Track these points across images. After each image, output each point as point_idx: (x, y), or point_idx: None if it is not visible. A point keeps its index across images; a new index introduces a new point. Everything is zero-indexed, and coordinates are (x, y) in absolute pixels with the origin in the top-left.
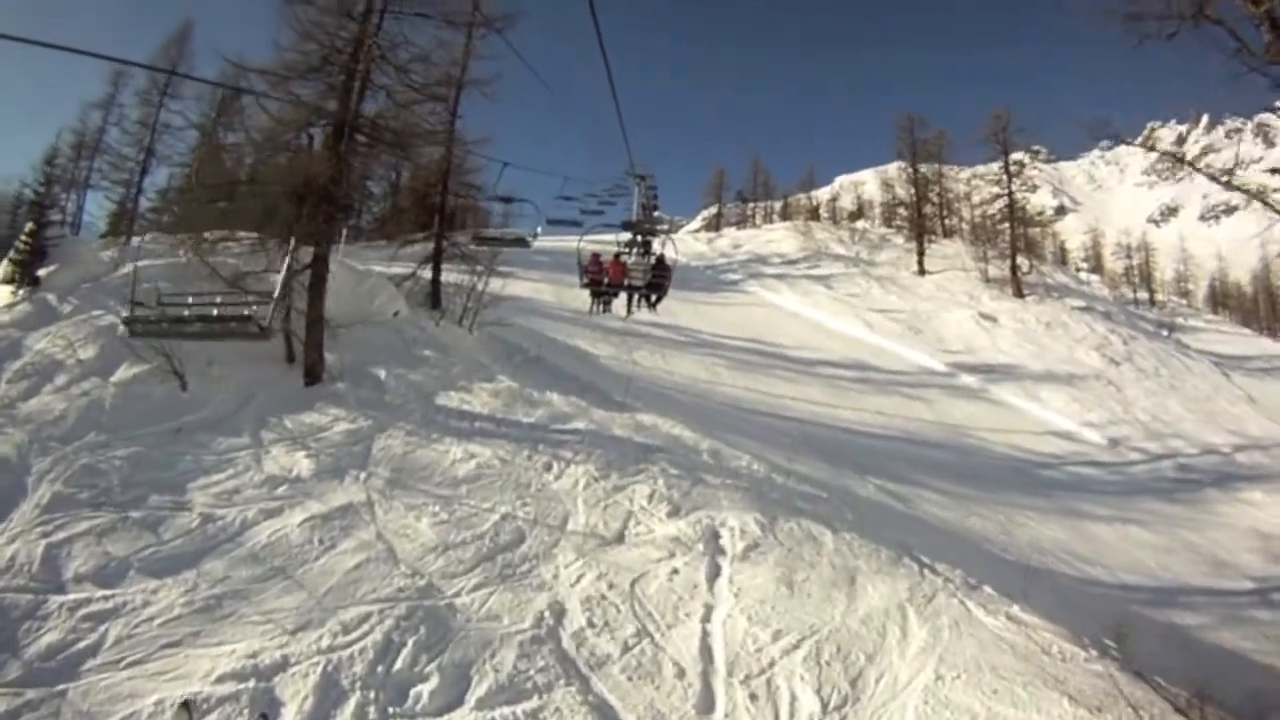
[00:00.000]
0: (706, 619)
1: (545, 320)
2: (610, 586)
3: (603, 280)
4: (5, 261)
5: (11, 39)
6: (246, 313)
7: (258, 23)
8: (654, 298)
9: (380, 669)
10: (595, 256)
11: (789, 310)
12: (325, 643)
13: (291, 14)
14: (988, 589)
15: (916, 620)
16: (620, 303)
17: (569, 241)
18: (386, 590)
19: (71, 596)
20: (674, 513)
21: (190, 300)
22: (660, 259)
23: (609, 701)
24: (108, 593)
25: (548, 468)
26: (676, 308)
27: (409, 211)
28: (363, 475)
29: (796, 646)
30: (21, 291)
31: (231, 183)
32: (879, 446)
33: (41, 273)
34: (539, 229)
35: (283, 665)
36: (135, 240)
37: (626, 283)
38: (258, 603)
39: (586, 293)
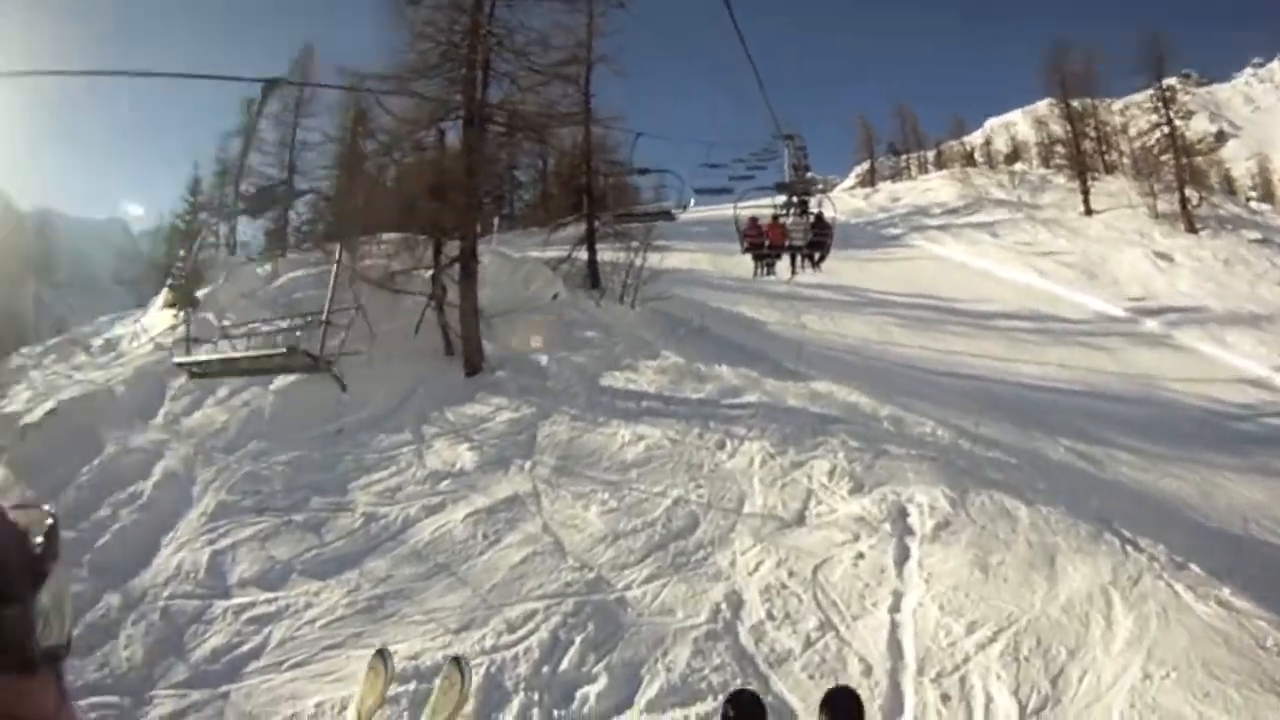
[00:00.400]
0: (895, 608)
1: (707, 290)
2: (791, 574)
3: (763, 243)
4: (165, 289)
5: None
6: (299, 347)
7: (367, 29)
8: (817, 257)
9: (545, 669)
10: (753, 220)
11: (955, 261)
12: (489, 642)
13: (404, 17)
14: (1194, 567)
15: (1122, 607)
16: (783, 265)
17: (724, 210)
18: (553, 585)
19: (236, 600)
20: (857, 489)
21: (253, 329)
22: (819, 217)
23: (789, 703)
24: (271, 595)
25: (720, 446)
26: (840, 267)
27: (558, 196)
28: (527, 464)
29: (993, 639)
30: (181, 314)
31: (375, 185)
32: (1064, 402)
33: (199, 294)
34: (690, 200)
35: (439, 668)
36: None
37: (787, 244)
38: (420, 602)
39: (748, 259)
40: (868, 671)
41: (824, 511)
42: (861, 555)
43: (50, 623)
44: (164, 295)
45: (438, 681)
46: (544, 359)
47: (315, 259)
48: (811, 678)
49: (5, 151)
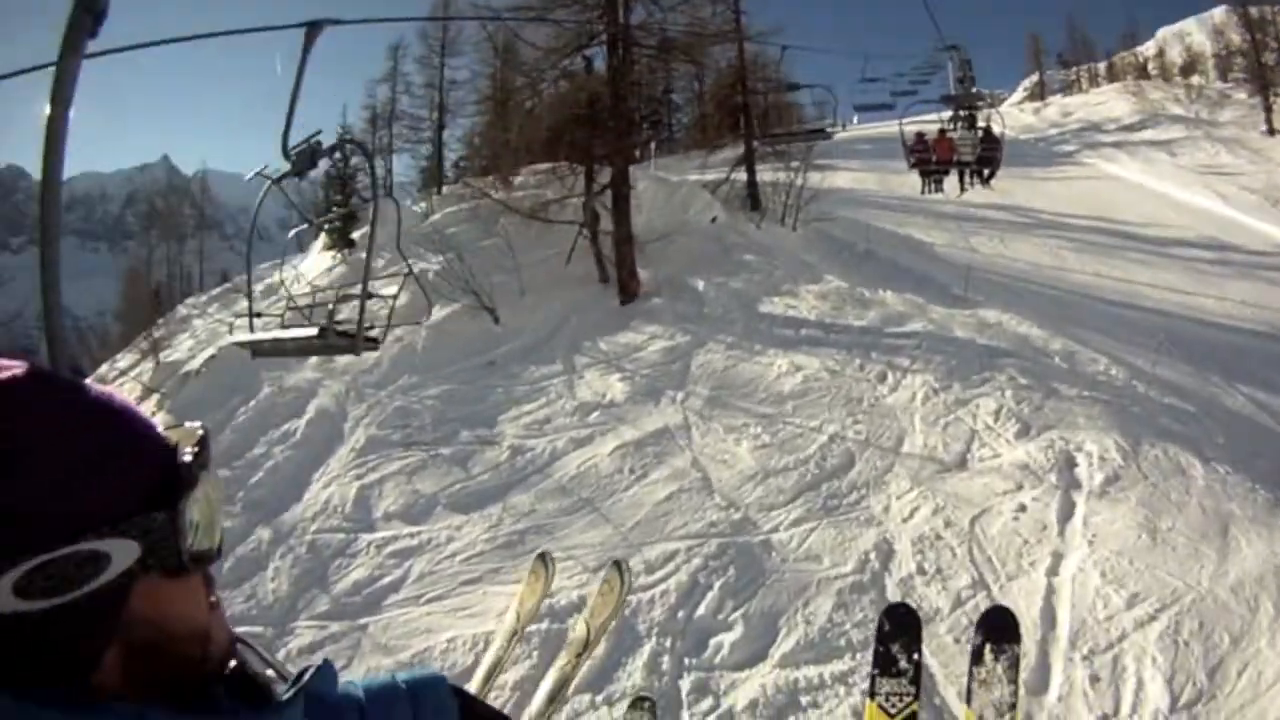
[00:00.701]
0: (1053, 571)
1: (872, 210)
2: (947, 524)
3: (930, 159)
4: (323, 233)
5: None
6: (329, 326)
7: None
8: (986, 173)
9: (681, 615)
10: (920, 135)
11: (1131, 182)
12: None
13: None
14: None
15: None
16: (951, 183)
17: (890, 126)
18: (697, 525)
19: (380, 534)
20: (1023, 433)
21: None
22: (988, 131)
23: (929, 668)
24: (414, 529)
25: (881, 379)
26: (1011, 186)
27: (714, 117)
28: (679, 396)
29: (1153, 617)
30: (338, 255)
31: (523, 118)
32: (1247, 345)
33: (355, 235)
34: (851, 119)
35: (578, 607)
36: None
37: (955, 159)
38: (561, 538)
39: (915, 178)
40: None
41: (987, 456)
42: (1023, 508)
43: (199, 529)
44: (322, 239)
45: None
46: (701, 284)
47: (469, 194)
48: (957, 641)
49: (167, 119)
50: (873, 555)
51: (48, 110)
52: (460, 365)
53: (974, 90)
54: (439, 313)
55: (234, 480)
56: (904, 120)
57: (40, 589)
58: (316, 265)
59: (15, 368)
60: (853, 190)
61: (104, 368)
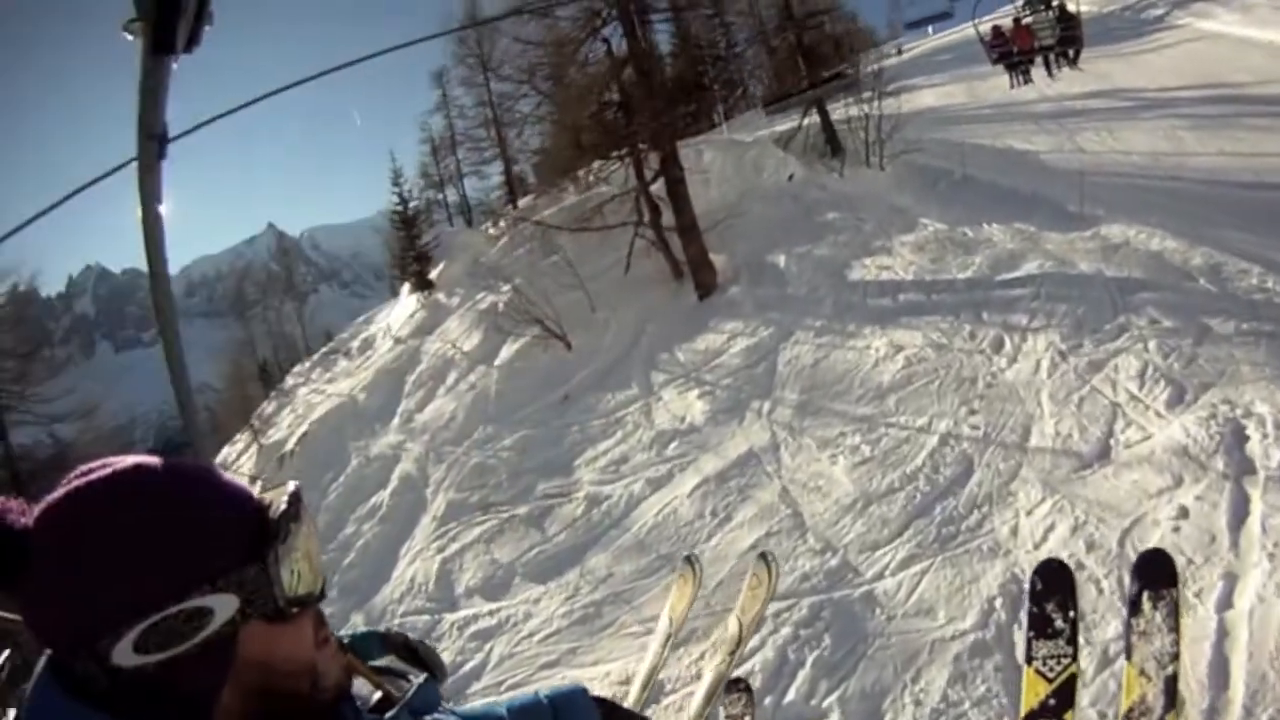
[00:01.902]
0: (1226, 603)
1: (965, 126)
2: (1090, 547)
3: (1012, 50)
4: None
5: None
6: None
7: None
8: (1071, 52)
9: (768, 701)
10: (995, 29)
11: (1235, 37)
12: (703, 665)
13: None
14: None
15: None
16: (1039, 72)
17: (965, 30)
18: (788, 580)
19: (462, 614)
20: (1176, 399)
21: None
22: (1063, 9)
23: None
24: (494, 606)
25: (997, 346)
26: (1106, 67)
27: (777, 62)
28: (765, 406)
29: None
30: (418, 298)
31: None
32: None
33: (432, 275)
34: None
35: (654, 697)
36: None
37: (1036, 45)
38: (639, 607)
39: (1004, 78)
40: (1177, 710)
41: (1134, 439)
42: (1184, 512)
43: (296, 575)
44: (406, 284)
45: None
46: (782, 259)
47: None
48: (1103, 716)
49: (262, 189)
50: (998, 602)
51: (139, 211)
52: (535, 405)
53: None
54: (508, 350)
55: (329, 565)
56: (977, 20)
57: (155, 644)
58: (404, 311)
59: (120, 461)
60: (941, 108)
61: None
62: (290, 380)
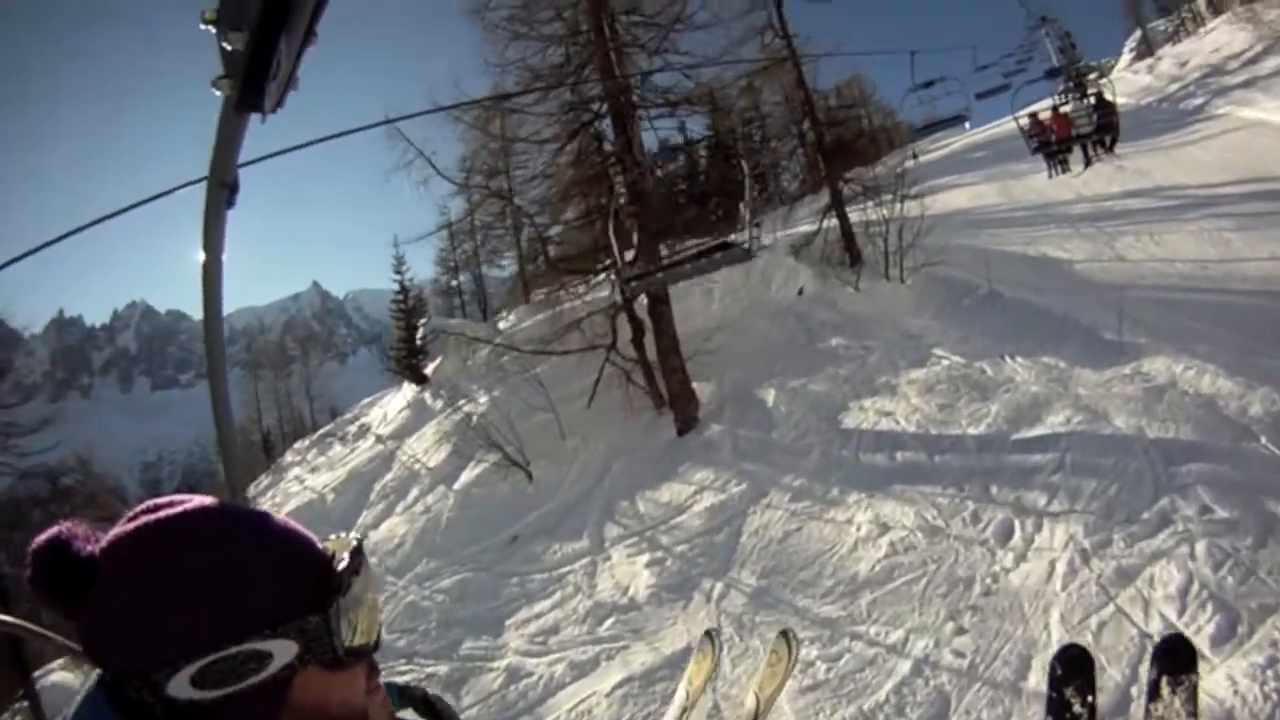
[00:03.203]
0: None
1: (997, 230)
2: None
3: (1050, 139)
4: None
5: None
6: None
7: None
8: (1108, 140)
9: None
10: (1034, 117)
11: (1276, 124)
12: None
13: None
14: None
15: None
16: (1077, 160)
17: (1002, 126)
18: None
19: None
20: (1225, 632)
21: None
22: (1099, 96)
23: None
24: None
25: (1004, 536)
26: (1145, 161)
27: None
28: (718, 588)
29: None
30: (412, 393)
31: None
32: None
33: (429, 369)
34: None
35: None
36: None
37: (1074, 133)
38: None
39: (1041, 178)
40: None
41: (1166, 690)
42: None
43: (355, 627)
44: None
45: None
46: (772, 394)
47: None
48: None
49: (311, 248)
50: None
51: (202, 257)
52: (482, 544)
53: (1078, 58)
54: (469, 473)
55: None
56: (1016, 114)
57: (213, 681)
58: (396, 405)
59: (189, 501)
60: (972, 210)
61: None
62: (289, 456)
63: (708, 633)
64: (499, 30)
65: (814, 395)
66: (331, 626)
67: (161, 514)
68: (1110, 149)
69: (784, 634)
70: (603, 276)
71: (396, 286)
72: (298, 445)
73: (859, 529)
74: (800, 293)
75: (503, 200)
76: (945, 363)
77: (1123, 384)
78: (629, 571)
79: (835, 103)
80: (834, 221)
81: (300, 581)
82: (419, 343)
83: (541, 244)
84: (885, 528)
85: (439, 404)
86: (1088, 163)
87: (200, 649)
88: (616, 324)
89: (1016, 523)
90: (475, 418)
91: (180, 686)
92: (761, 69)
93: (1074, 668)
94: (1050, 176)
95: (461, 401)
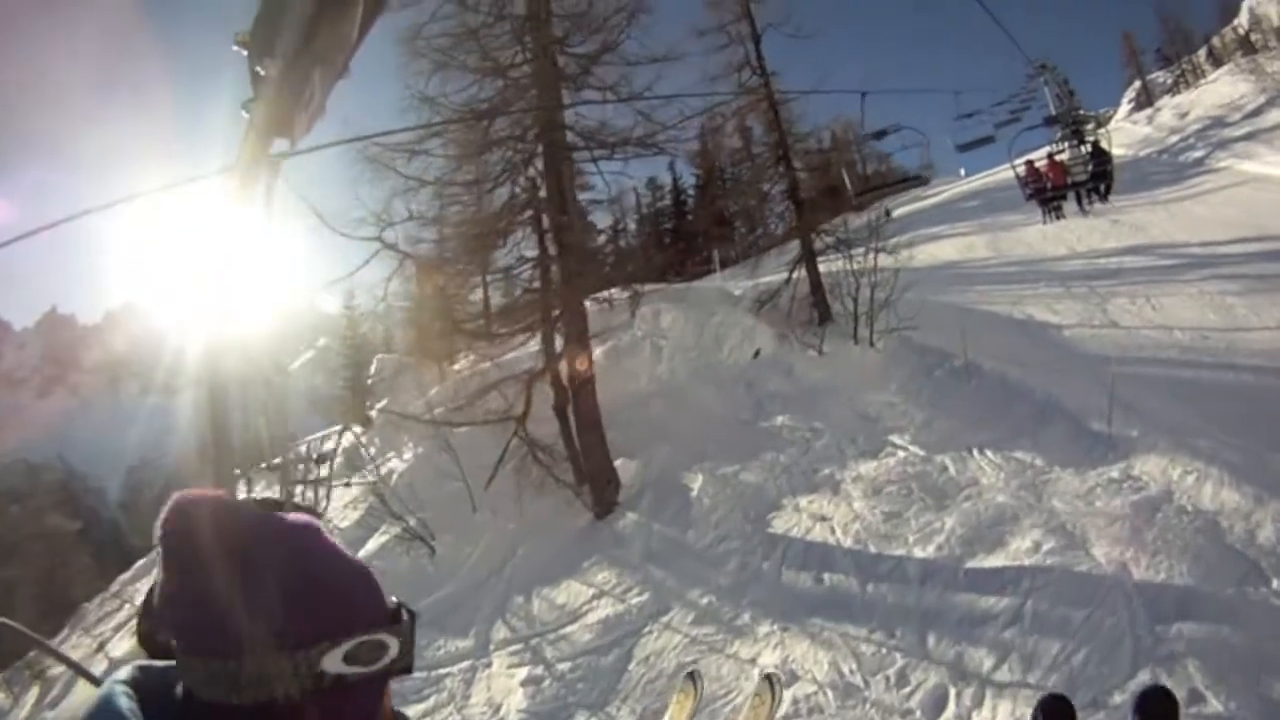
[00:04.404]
0: None
1: (983, 287)
2: None
3: (1046, 186)
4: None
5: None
6: None
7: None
8: (1103, 188)
9: None
10: (1030, 164)
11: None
12: None
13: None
14: None
15: None
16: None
17: (997, 175)
18: None
19: None
20: None
21: None
22: (1096, 145)
23: None
24: None
25: (933, 710)
26: (1143, 216)
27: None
28: None
29: None
30: (351, 436)
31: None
32: None
33: (374, 411)
34: (958, 170)
35: None
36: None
37: (1069, 181)
38: None
39: (1032, 231)
40: None
41: None
42: None
43: (404, 650)
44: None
45: (749, 699)
46: (699, 481)
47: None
48: None
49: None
50: None
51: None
52: None
53: (1075, 106)
54: (375, 542)
55: None
56: (1013, 161)
57: (358, 659)
58: (342, 443)
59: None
60: (960, 263)
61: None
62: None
63: (690, 674)
64: (429, 58)
65: (745, 487)
66: (409, 633)
67: (291, 517)
68: (1105, 197)
69: (768, 678)
70: (523, 339)
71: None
72: (261, 467)
73: (764, 668)
74: (756, 355)
75: (398, 253)
76: (901, 454)
77: (1108, 494)
78: (505, 686)
79: (826, 145)
80: (804, 273)
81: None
82: (368, 381)
83: (444, 303)
84: (793, 677)
85: (371, 452)
86: (1083, 210)
87: (354, 629)
88: (532, 392)
89: (952, 692)
90: (395, 476)
91: (334, 661)
92: (739, 109)
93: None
94: (1045, 224)
95: (389, 454)
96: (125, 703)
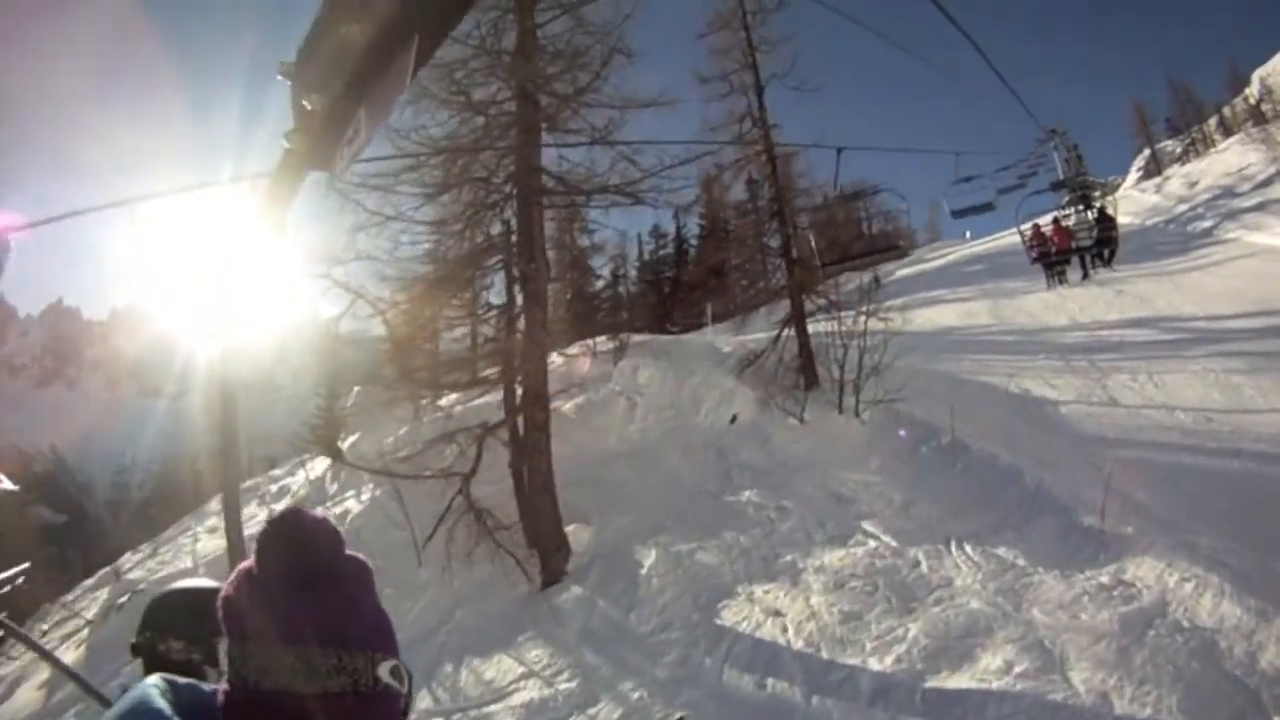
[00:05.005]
0: None
1: (981, 356)
2: None
3: (1050, 250)
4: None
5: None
6: None
7: None
8: (1106, 253)
9: None
10: (1036, 227)
11: None
12: None
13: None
14: None
15: None
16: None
17: (1004, 239)
18: None
19: None
20: None
21: None
22: (1102, 211)
23: None
24: None
25: None
26: (1147, 287)
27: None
28: None
29: None
30: (319, 469)
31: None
32: None
33: (345, 443)
34: (964, 233)
35: None
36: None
37: (1074, 245)
38: None
39: (1034, 300)
40: None
41: None
42: None
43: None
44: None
45: None
46: (650, 557)
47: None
48: None
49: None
50: None
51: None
52: None
53: (1084, 171)
54: None
55: None
56: (1020, 224)
57: (398, 677)
58: (302, 479)
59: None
60: (959, 329)
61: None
62: (214, 503)
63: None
64: (408, 89)
65: (699, 569)
66: (406, 677)
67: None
68: (1109, 263)
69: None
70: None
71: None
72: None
73: None
74: (733, 420)
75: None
76: (872, 544)
77: (1096, 604)
78: None
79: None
80: (794, 333)
81: None
82: (345, 412)
83: (394, 348)
84: None
85: (334, 489)
86: (1085, 275)
87: (390, 649)
88: (484, 447)
89: None
90: (349, 518)
91: (385, 671)
92: (738, 160)
93: None
94: (1048, 288)
95: (350, 492)
96: (162, 702)
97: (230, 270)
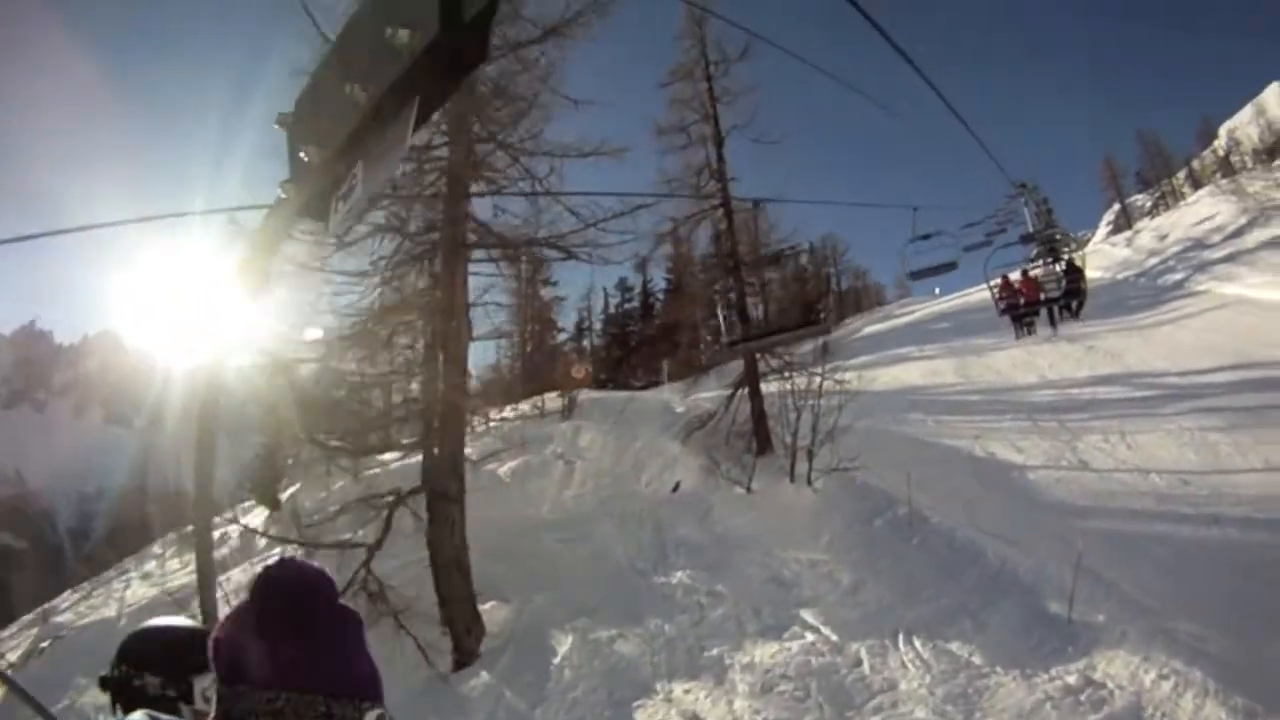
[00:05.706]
0: None
1: (943, 418)
2: None
3: (1019, 302)
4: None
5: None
6: None
7: None
8: (1075, 305)
9: None
10: (1005, 279)
11: (1263, 302)
12: None
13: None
14: None
15: None
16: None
17: (970, 295)
18: None
19: None
20: None
21: None
22: (1070, 263)
23: None
24: None
25: None
26: (1118, 342)
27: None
28: None
29: None
30: (248, 521)
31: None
32: None
33: (284, 495)
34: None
35: None
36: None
37: (1042, 297)
38: None
39: (1002, 358)
40: None
41: None
42: None
43: None
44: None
45: None
46: (566, 643)
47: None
48: None
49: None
50: None
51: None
52: None
53: (1053, 225)
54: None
55: None
56: (989, 278)
57: None
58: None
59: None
60: (924, 388)
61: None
62: (157, 547)
63: None
64: None
65: (618, 660)
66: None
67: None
68: (1076, 314)
69: None
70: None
71: None
72: (172, 535)
73: None
74: (676, 488)
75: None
76: (810, 638)
77: (1061, 713)
78: None
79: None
80: (747, 393)
81: None
82: (287, 463)
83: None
84: None
85: (263, 542)
86: (1054, 326)
87: (380, 699)
88: (394, 519)
89: None
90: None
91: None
92: (693, 215)
93: None
94: (1016, 337)
95: (275, 549)
96: None
97: (206, 302)
